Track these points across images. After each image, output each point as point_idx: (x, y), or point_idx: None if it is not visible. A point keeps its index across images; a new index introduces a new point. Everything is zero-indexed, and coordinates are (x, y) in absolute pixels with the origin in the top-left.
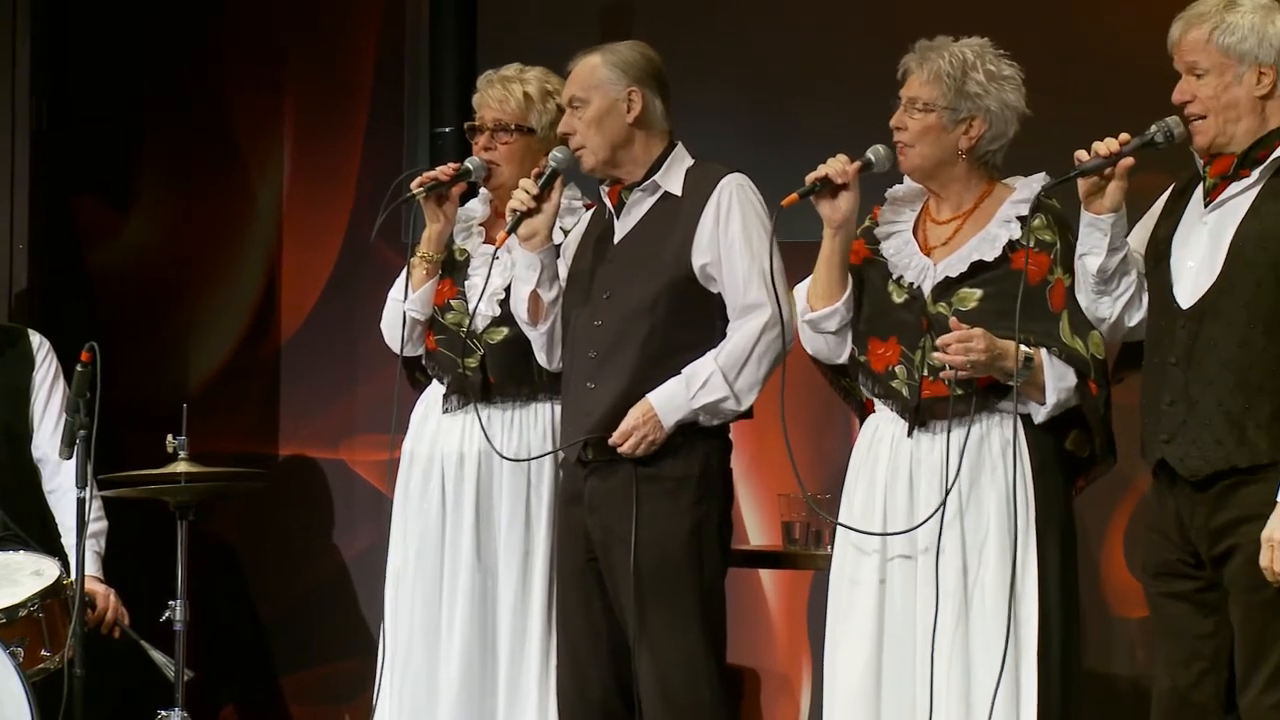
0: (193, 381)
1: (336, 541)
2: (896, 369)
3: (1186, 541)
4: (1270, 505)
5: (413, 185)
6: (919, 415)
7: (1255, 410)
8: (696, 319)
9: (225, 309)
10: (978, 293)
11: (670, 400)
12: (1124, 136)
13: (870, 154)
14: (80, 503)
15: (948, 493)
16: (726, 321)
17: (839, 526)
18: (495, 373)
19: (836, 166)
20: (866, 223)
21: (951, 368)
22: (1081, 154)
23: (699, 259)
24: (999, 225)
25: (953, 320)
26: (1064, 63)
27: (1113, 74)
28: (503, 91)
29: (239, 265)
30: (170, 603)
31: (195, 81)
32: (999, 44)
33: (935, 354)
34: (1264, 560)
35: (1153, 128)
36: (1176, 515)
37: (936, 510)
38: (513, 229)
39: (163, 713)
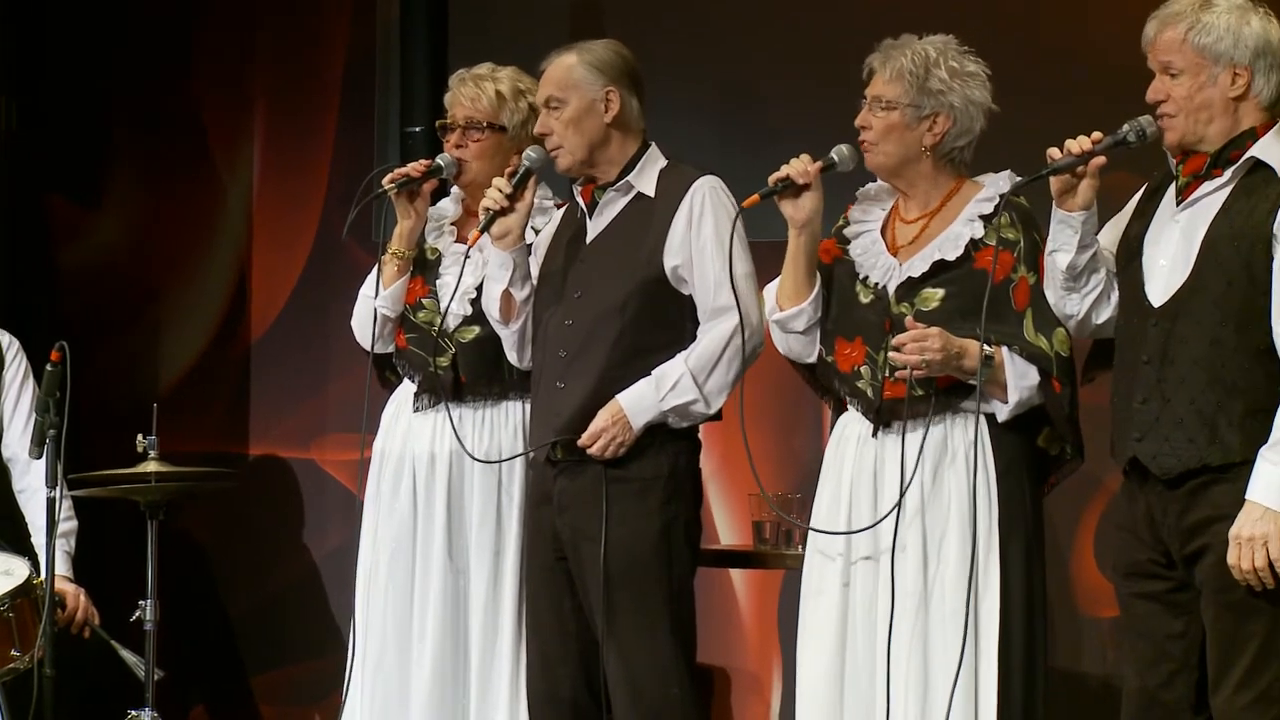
0: (163, 381)
1: (307, 541)
2: (861, 369)
3: (1158, 541)
4: (1241, 505)
5: (384, 182)
6: (882, 416)
7: (1228, 408)
8: (667, 321)
9: (195, 308)
10: (940, 292)
11: (640, 401)
12: (1096, 135)
13: (834, 154)
14: (50, 502)
15: (903, 494)
16: (697, 324)
17: (805, 526)
18: (466, 371)
19: (798, 167)
20: (839, 222)
21: (907, 367)
22: (1054, 152)
23: (670, 261)
24: (963, 224)
25: (908, 320)
26: (1036, 61)
27: (1085, 72)
28: (475, 89)
29: (209, 264)
30: (140, 602)
31: (165, 81)
32: (970, 43)
33: (891, 354)
34: (1232, 558)
35: (1125, 126)
36: (1148, 514)
37: (890, 511)
38: (485, 228)
39: (133, 712)
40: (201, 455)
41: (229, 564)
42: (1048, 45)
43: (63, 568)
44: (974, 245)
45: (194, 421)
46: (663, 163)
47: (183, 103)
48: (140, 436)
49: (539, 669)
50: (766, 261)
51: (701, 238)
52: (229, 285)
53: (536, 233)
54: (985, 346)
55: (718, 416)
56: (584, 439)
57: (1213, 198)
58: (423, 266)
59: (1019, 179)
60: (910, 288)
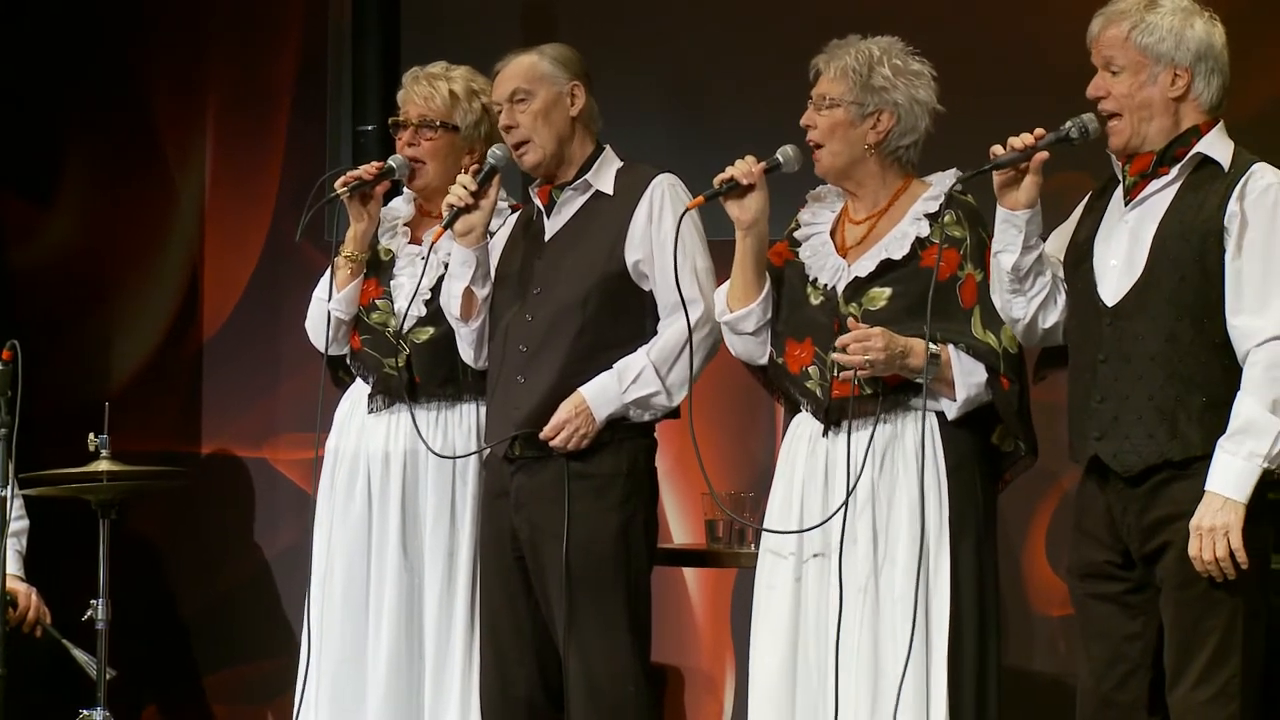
0: (115, 380)
1: (259, 540)
2: (810, 370)
3: (1117, 541)
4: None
5: (336, 184)
6: (831, 415)
7: (1186, 402)
8: (627, 316)
9: (147, 307)
10: (887, 291)
11: (602, 394)
12: (1039, 131)
13: (778, 155)
14: (1, 501)
15: (849, 493)
16: (657, 319)
17: (756, 525)
18: (421, 372)
19: (743, 168)
20: (791, 225)
21: (851, 367)
22: (997, 148)
23: (631, 256)
24: (909, 223)
25: (850, 320)
26: (984, 60)
27: (1032, 71)
28: (428, 88)
29: (161, 263)
30: (92, 601)
31: (117, 80)
32: (918, 42)
33: (835, 354)
34: (1193, 549)
35: (1068, 123)
36: (1108, 514)
37: (837, 510)
38: (449, 224)
39: (85, 712)
40: (153, 454)
41: (181, 563)
42: (997, 43)
43: (14, 567)
44: (920, 244)
45: (146, 420)
46: (619, 163)
47: (135, 102)
48: (92, 435)
49: (493, 667)
50: (717, 260)
51: (662, 233)
52: (181, 284)
53: (491, 234)
54: (931, 345)
55: (676, 413)
56: (546, 431)
57: (1161, 195)
58: (376, 268)
59: (966, 173)
60: (858, 288)
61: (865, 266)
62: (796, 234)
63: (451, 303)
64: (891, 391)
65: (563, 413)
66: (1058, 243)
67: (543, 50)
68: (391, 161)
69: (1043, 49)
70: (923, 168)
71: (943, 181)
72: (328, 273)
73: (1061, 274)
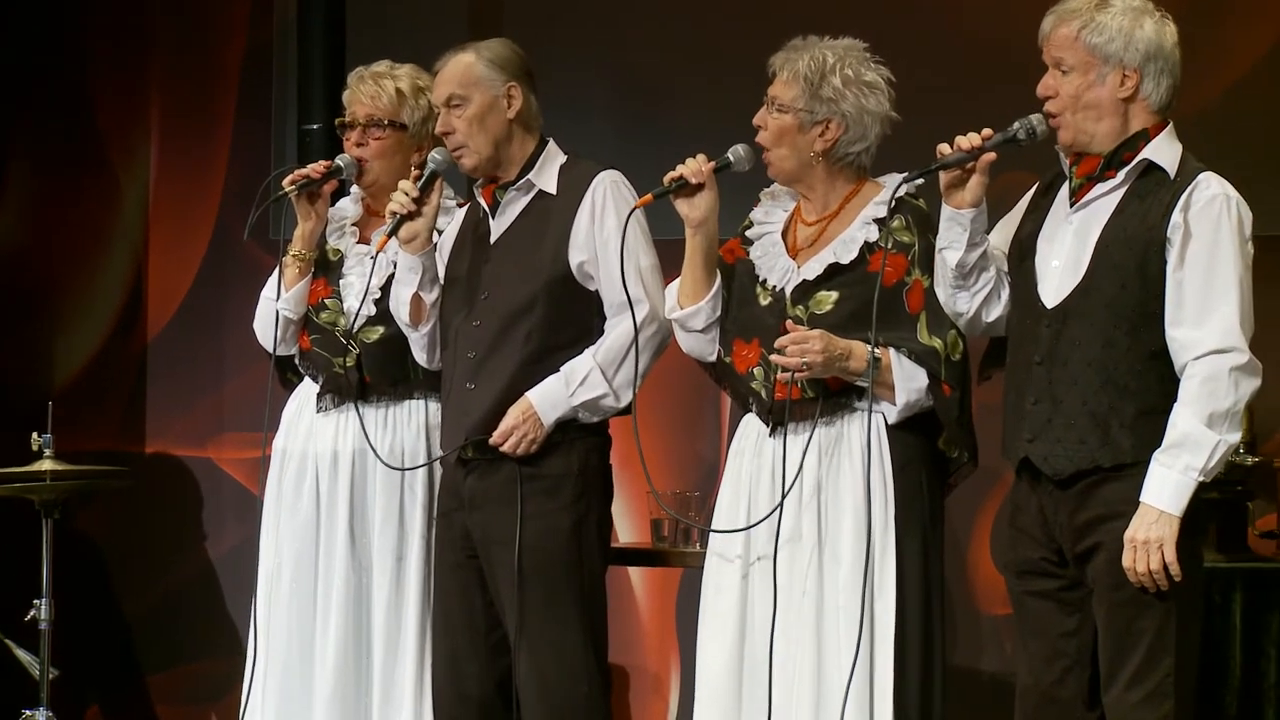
0: (58, 379)
1: (203, 540)
2: (755, 370)
3: (1050, 539)
4: (1133, 503)
5: (284, 183)
6: (775, 416)
7: (1119, 410)
8: (575, 317)
9: (91, 306)
10: (834, 295)
11: (549, 398)
12: (986, 131)
13: (729, 154)
14: None
15: (785, 494)
16: (604, 319)
17: (701, 525)
18: (371, 372)
19: (693, 166)
20: (744, 222)
21: (789, 369)
22: (943, 147)
23: (576, 257)
24: (858, 227)
25: (788, 323)
26: (941, 57)
27: (984, 68)
28: (374, 88)
29: (105, 262)
30: (35, 601)
31: (61, 77)
32: (872, 40)
33: (774, 356)
34: (1127, 561)
35: (1015, 124)
36: (1040, 513)
37: (773, 511)
38: (393, 231)
39: (27, 712)
40: (97, 454)
41: (125, 563)
42: (956, 40)
43: None
44: (868, 249)
45: (90, 420)
46: (562, 159)
47: (79, 100)
48: (35, 435)
49: (446, 667)
50: (665, 259)
51: (605, 232)
52: (125, 282)
53: (439, 233)
54: (873, 349)
55: (628, 410)
56: (495, 437)
57: (1106, 199)
58: (324, 267)
59: (918, 182)
60: (805, 290)
61: (813, 269)
62: (749, 232)
63: (400, 309)
64: (833, 394)
65: (510, 418)
66: (1002, 235)
67: (479, 50)
68: (339, 161)
69: (1005, 46)
70: (880, 167)
71: (894, 184)
72: (275, 272)
73: (1005, 268)
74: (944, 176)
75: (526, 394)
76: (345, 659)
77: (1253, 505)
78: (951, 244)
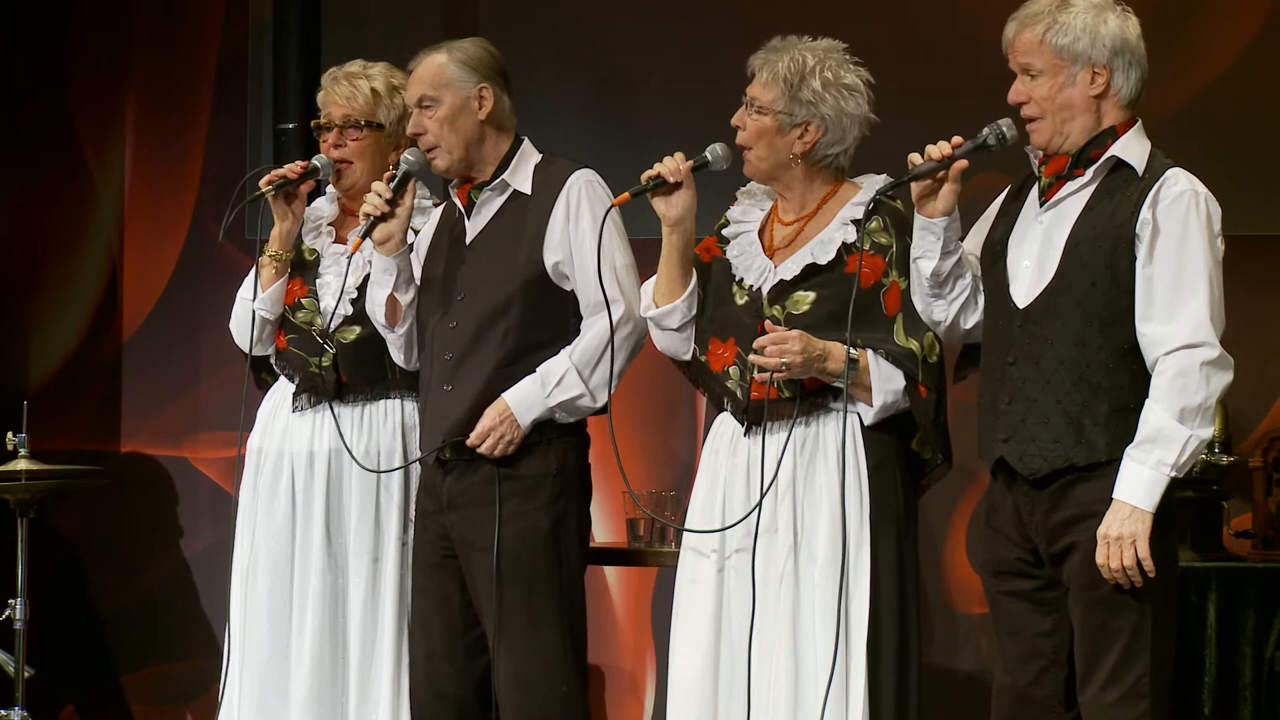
0: (33, 378)
1: (178, 539)
2: (731, 370)
3: (1026, 539)
4: (1108, 502)
5: (261, 184)
6: (750, 416)
7: (1093, 408)
8: (551, 318)
9: (66, 305)
10: (811, 295)
11: (526, 399)
12: (956, 139)
13: (707, 153)
14: None
15: (763, 495)
16: (581, 319)
17: (676, 525)
18: (348, 371)
19: (670, 165)
20: (721, 221)
21: (767, 369)
22: (915, 157)
23: (550, 257)
24: (836, 228)
25: (767, 323)
26: (918, 60)
27: (962, 71)
28: (349, 88)
29: (81, 261)
30: (10, 601)
31: (37, 76)
32: (848, 39)
33: (752, 356)
34: (1100, 557)
35: (985, 130)
36: (1015, 513)
37: (750, 512)
38: (367, 233)
39: (2, 711)
40: (72, 453)
41: (100, 562)
42: (928, 43)
43: None
44: (846, 249)
45: (65, 419)
46: (537, 158)
47: (54, 99)
48: (10, 434)
49: (424, 666)
50: (641, 258)
51: (580, 232)
52: (101, 282)
53: (416, 233)
54: (850, 350)
55: (605, 410)
56: (472, 438)
57: (1075, 198)
58: (301, 267)
59: (885, 184)
60: (782, 290)
61: (790, 270)
62: (725, 231)
63: (376, 310)
64: (809, 395)
65: (487, 420)
66: (975, 240)
67: (452, 51)
68: (315, 161)
69: (979, 49)
70: (857, 168)
71: (872, 185)
72: (252, 272)
73: (980, 273)
74: (916, 186)
75: (503, 395)
76: (321, 658)
77: (1228, 505)
78: (925, 253)
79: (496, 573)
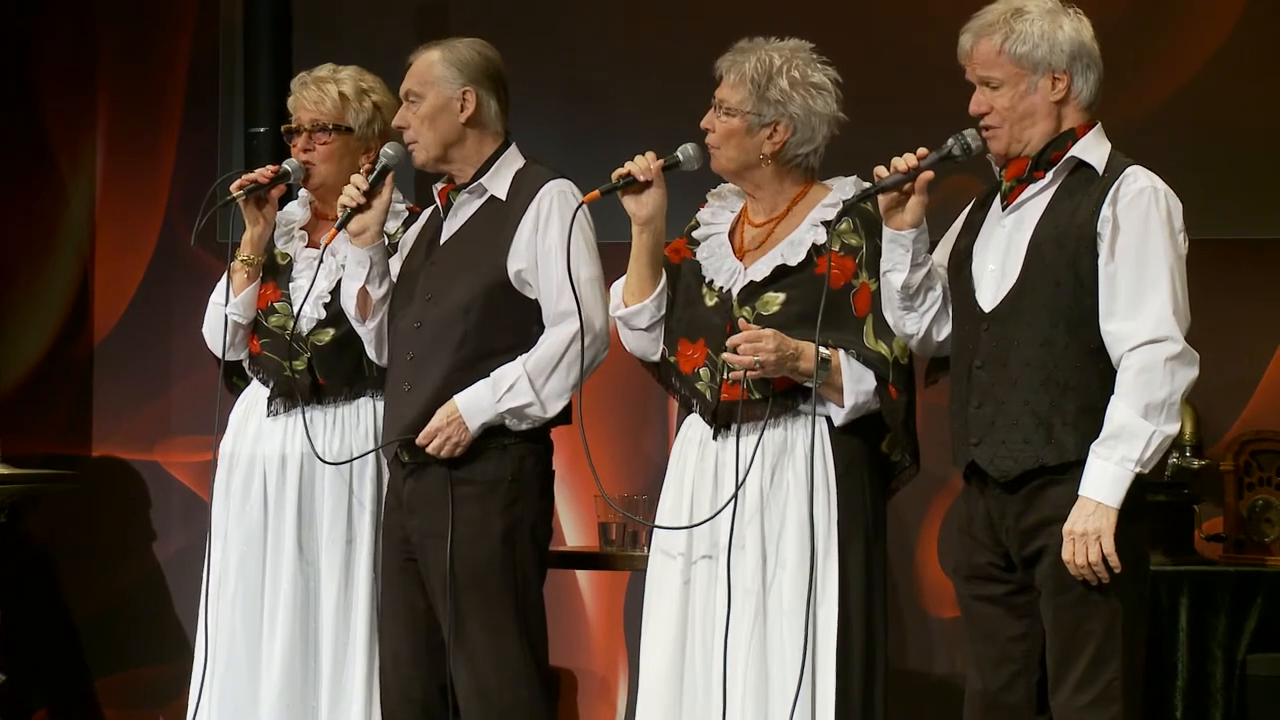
0: (4, 382)
1: (151, 543)
2: (701, 371)
3: (997, 544)
4: None
5: (232, 188)
6: (719, 418)
7: (1061, 408)
8: (512, 324)
9: (38, 309)
10: (781, 296)
11: (476, 402)
12: (921, 151)
13: (679, 153)
14: None
15: (734, 496)
16: (543, 327)
17: (652, 529)
18: (324, 374)
19: (641, 164)
20: (691, 222)
21: (740, 368)
22: (881, 170)
23: (514, 264)
24: (806, 229)
25: (741, 321)
26: (884, 65)
27: (933, 77)
28: (318, 92)
29: (52, 265)
30: None
31: (7, 80)
32: (817, 43)
33: (725, 355)
34: (1066, 553)
35: (949, 141)
36: (987, 517)
37: (721, 509)
38: (342, 225)
39: None
40: (44, 457)
41: (72, 566)
42: (898, 47)
43: None
44: (816, 251)
45: (37, 423)
46: (520, 163)
47: (25, 103)
48: None
49: (391, 670)
50: (611, 263)
51: (547, 241)
52: (72, 286)
53: (389, 236)
54: (822, 349)
55: (565, 420)
56: (420, 438)
57: (1037, 200)
58: (274, 271)
59: (864, 184)
60: (752, 291)
61: (761, 271)
62: (695, 233)
63: (348, 303)
64: (780, 396)
65: (436, 420)
66: (942, 252)
67: (446, 49)
68: (287, 165)
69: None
70: (827, 170)
71: (843, 187)
72: (224, 277)
73: (948, 281)
74: (883, 199)
75: (454, 398)
76: (292, 662)
77: (1199, 508)
78: (895, 266)
79: (450, 576)
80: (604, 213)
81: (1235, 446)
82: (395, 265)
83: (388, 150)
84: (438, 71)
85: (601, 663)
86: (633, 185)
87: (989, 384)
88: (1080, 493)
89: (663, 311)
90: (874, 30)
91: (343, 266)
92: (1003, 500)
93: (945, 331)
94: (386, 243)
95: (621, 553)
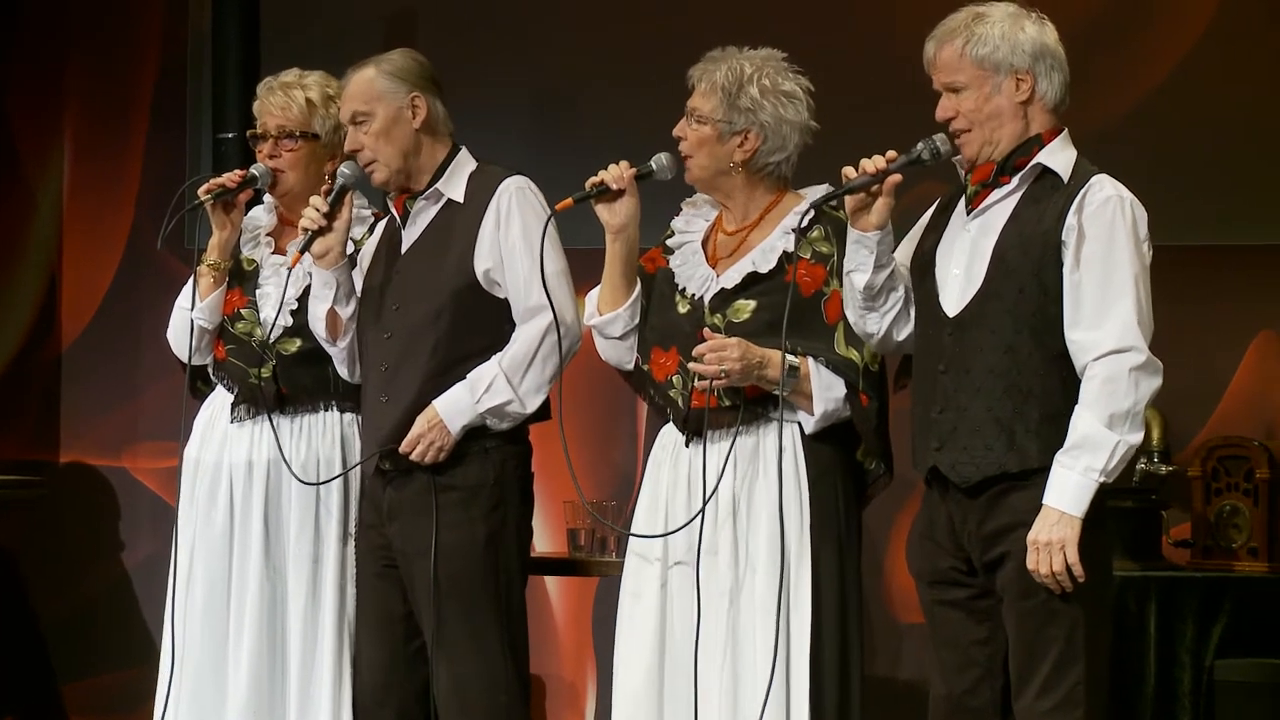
0: None
1: (119, 549)
2: (674, 379)
3: (959, 548)
4: (1039, 510)
5: (199, 192)
6: (690, 425)
7: (1024, 415)
8: (484, 325)
9: (5, 315)
10: (752, 304)
11: (455, 405)
12: (891, 154)
13: (652, 162)
14: None
15: (704, 505)
16: (514, 326)
17: (622, 535)
18: (288, 383)
19: (614, 172)
20: (666, 231)
21: (706, 377)
22: (849, 171)
23: (481, 265)
24: (778, 237)
25: (706, 330)
26: (856, 71)
27: (906, 86)
28: (284, 98)
29: (19, 271)
30: None
31: None
32: (786, 50)
33: (691, 364)
34: (1030, 563)
35: (919, 145)
36: (949, 522)
37: (693, 519)
38: (305, 248)
39: None
40: (11, 463)
41: (39, 572)
42: (870, 57)
43: None
44: (787, 258)
45: (4, 429)
46: (472, 166)
47: None
48: None
49: (366, 677)
50: (584, 269)
51: (510, 239)
52: (39, 291)
53: (355, 243)
54: (791, 357)
55: (544, 416)
56: (403, 446)
57: (1002, 206)
58: (240, 277)
59: (819, 197)
60: (724, 299)
61: (732, 278)
62: (670, 241)
63: (317, 325)
64: (750, 403)
65: (417, 427)
66: (905, 251)
67: (379, 64)
68: (254, 170)
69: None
70: (801, 179)
71: (816, 195)
72: (190, 282)
73: (911, 285)
74: (850, 200)
75: (433, 403)
76: (259, 668)
77: (1167, 514)
78: (859, 266)
79: (435, 582)
80: (576, 218)
81: (1203, 452)
82: (357, 279)
83: (344, 170)
84: (381, 85)
85: (570, 669)
86: (606, 194)
87: (952, 390)
88: (1044, 502)
89: (637, 320)
90: (846, 39)
91: (309, 275)
92: (964, 506)
93: (906, 332)
94: (351, 253)
95: (591, 559)
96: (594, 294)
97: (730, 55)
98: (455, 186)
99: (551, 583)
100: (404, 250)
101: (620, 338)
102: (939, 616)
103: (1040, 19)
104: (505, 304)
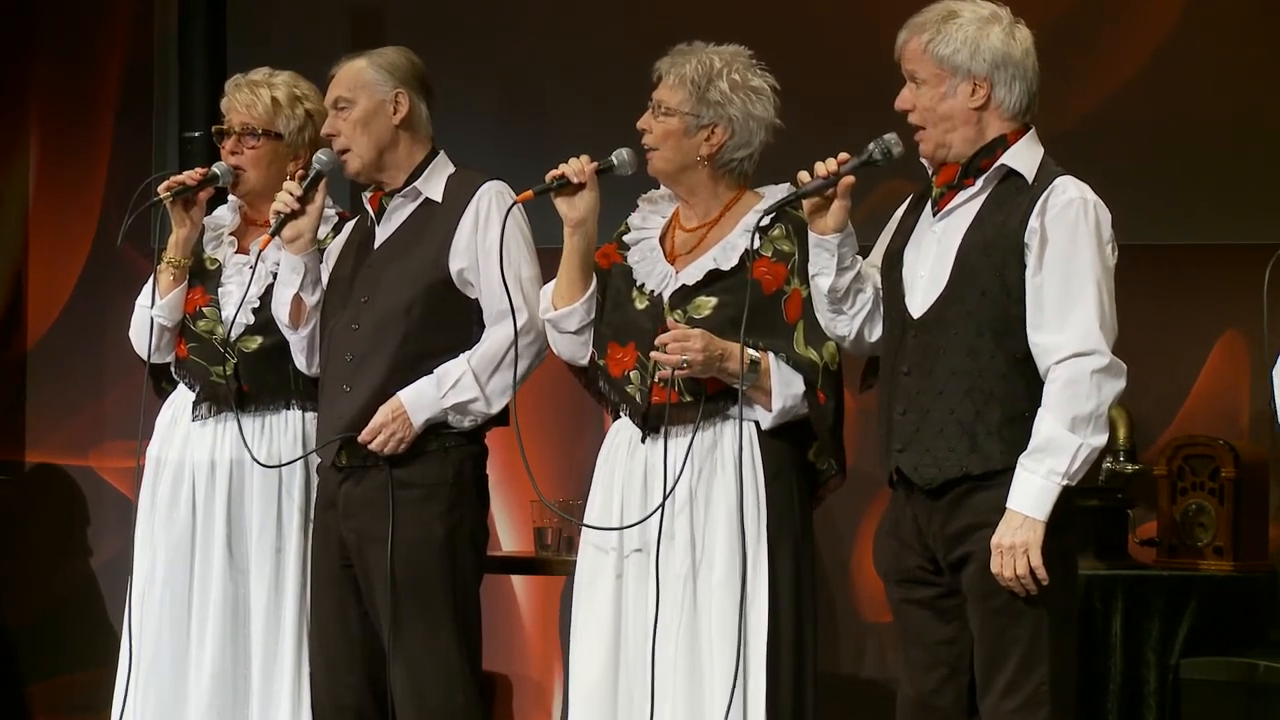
0: None
1: (85, 549)
2: (631, 374)
3: (925, 548)
4: (1002, 511)
5: (160, 189)
6: (649, 421)
7: (986, 417)
8: (453, 324)
9: None
10: (712, 301)
11: (420, 398)
12: (843, 156)
13: (614, 156)
14: None
15: (665, 499)
16: (484, 327)
17: (580, 523)
18: (249, 381)
19: (575, 166)
20: (621, 228)
21: (668, 366)
22: (803, 175)
23: (456, 264)
24: (739, 235)
25: (670, 320)
26: (823, 71)
27: (873, 86)
28: (250, 96)
29: None
30: None
31: None
32: (754, 49)
33: (654, 354)
34: (994, 566)
35: (870, 146)
36: (914, 522)
37: (651, 514)
38: (276, 231)
39: None
40: None
41: (6, 572)
42: (835, 54)
43: None
44: (748, 255)
45: None
46: (451, 169)
47: None
48: None
49: (323, 676)
50: (542, 266)
51: (488, 240)
52: (4, 291)
53: (320, 241)
54: (753, 352)
55: (503, 420)
56: (364, 434)
57: (966, 207)
58: (202, 276)
59: (775, 201)
60: (684, 296)
61: (693, 275)
62: (626, 238)
63: (280, 310)
64: (710, 399)
65: (380, 416)
66: (879, 253)
67: (373, 55)
68: (216, 168)
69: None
70: (760, 178)
71: (775, 195)
72: (151, 280)
73: (881, 284)
74: (807, 204)
75: (398, 394)
76: (222, 668)
77: (1133, 513)
78: (822, 270)
79: (391, 580)
80: (536, 216)
81: (1169, 451)
82: (324, 272)
83: (320, 156)
84: (368, 76)
85: (537, 668)
86: (566, 187)
87: (915, 391)
88: (1008, 505)
89: (592, 315)
90: (812, 38)
91: (273, 274)
92: (928, 506)
93: (877, 333)
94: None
95: (557, 558)
96: (549, 288)
97: (699, 50)
98: (434, 186)
99: (518, 582)
100: (377, 245)
101: (575, 332)
102: (906, 615)
103: (1014, 24)
104: (475, 305)
